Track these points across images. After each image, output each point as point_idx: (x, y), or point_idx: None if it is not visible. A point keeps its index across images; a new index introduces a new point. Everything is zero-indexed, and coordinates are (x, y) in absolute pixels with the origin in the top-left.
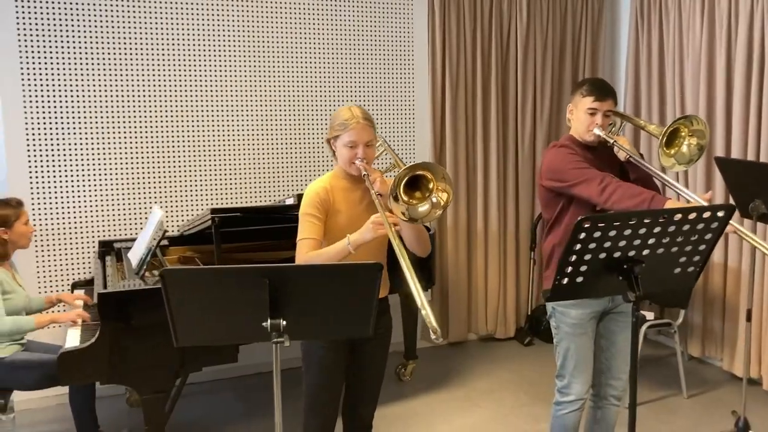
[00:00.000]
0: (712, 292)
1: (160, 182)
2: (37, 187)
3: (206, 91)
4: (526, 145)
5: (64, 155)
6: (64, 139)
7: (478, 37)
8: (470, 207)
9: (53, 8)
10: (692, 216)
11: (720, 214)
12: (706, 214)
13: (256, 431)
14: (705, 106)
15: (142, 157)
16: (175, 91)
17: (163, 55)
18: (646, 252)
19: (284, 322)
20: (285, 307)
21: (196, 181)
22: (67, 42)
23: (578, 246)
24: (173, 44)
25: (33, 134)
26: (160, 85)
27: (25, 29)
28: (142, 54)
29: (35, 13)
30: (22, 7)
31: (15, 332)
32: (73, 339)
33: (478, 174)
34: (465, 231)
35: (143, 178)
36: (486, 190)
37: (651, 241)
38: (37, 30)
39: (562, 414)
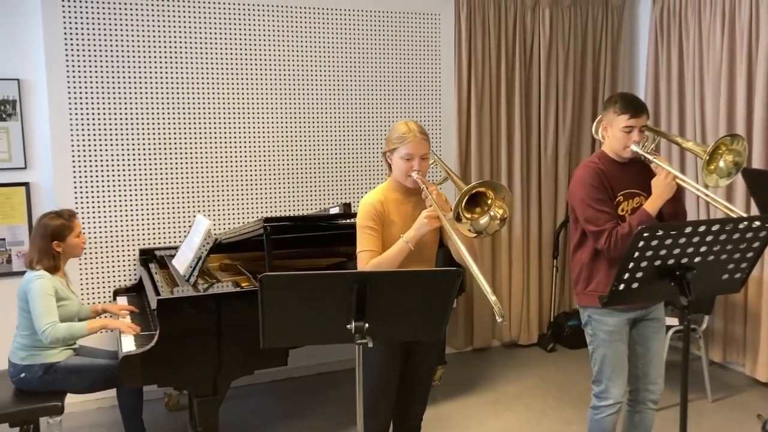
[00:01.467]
0: (733, 298)
1: (199, 192)
2: (81, 196)
3: (246, 102)
4: (549, 154)
5: (106, 165)
6: (106, 149)
7: (502, 49)
8: None
9: (99, 23)
10: (743, 225)
11: None
12: (756, 224)
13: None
14: (725, 118)
15: (181, 168)
16: (216, 101)
17: (204, 66)
18: (697, 259)
19: (367, 325)
20: (369, 311)
21: (235, 191)
22: (112, 54)
23: (637, 254)
24: (216, 56)
25: (78, 145)
26: (200, 96)
27: (72, 42)
28: (183, 65)
29: (81, 26)
30: (70, 21)
31: (69, 338)
32: (129, 344)
33: (502, 182)
34: (489, 238)
35: (183, 187)
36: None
37: (703, 248)
38: (83, 43)
39: (601, 417)
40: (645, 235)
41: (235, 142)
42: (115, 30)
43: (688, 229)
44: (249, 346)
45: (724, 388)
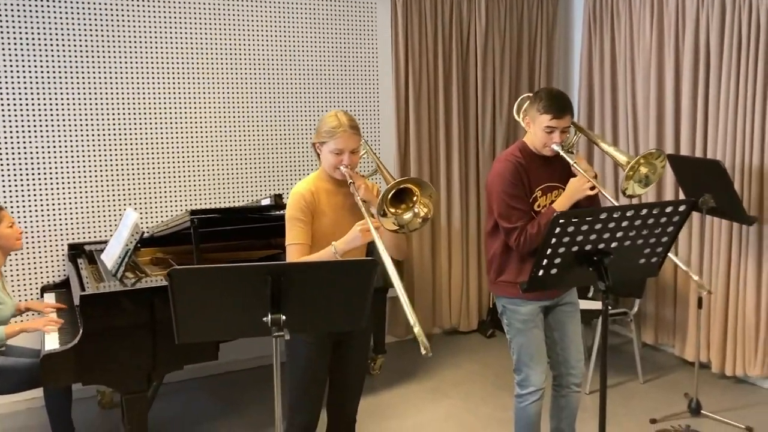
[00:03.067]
0: (663, 282)
1: (129, 185)
2: (8, 190)
3: (175, 94)
4: (487, 144)
5: (33, 158)
6: (33, 142)
7: (439, 38)
8: (434, 202)
9: (19, 16)
10: (656, 210)
11: (681, 208)
12: (669, 209)
13: (231, 428)
14: (655, 105)
15: (111, 161)
16: (144, 94)
17: (134, 57)
18: (614, 244)
19: (284, 317)
20: (285, 303)
21: (165, 183)
22: (37, 46)
23: (554, 240)
24: (145, 47)
25: (3, 138)
26: (129, 89)
27: None
28: (113, 56)
29: (7, 13)
30: None
31: None
32: (52, 342)
33: (441, 172)
34: (429, 228)
35: (112, 181)
36: (449, 187)
37: (619, 234)
38: (8, 33)
39: (525, 405)
40: (561, 221)
41: (166, 134)
42: (39, 20)
43: (604, 215)
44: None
45: (656, 369)
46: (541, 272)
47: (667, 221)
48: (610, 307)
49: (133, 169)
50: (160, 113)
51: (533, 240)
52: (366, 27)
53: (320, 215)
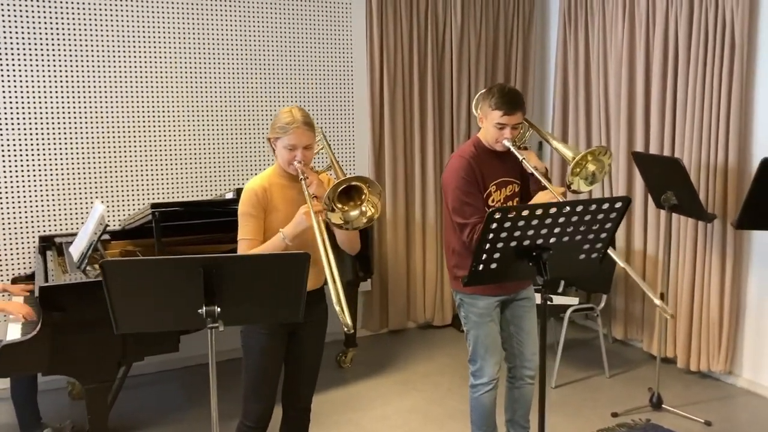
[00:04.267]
0: (632, 278)
1: (101, 177)
2: None
3: (146, 87)
4: (462, 139)
5: (4, 151)
6: (2, 135)
7: (414, 36)
8: (408, 199)
9: None
10: (593, 207)
11: (617, 205)
12: (605, 206)
13: (198, 419)
14: (626, 102)
15: (83, 153)
16: (114, 87)
17: (100, 52)
18: (552, 240)
19: (218, 309)
20: (219, 295)
21: (137, 176)
22: (9, 36)
23: (491, 235)
24: (112, 41)
25: None
26: (98, 82)
27: None
28: (79, 50)
29: None
30: None
31: None
32: (14, 332)
33: (416, 169)
34: (404, 223)
35: (84, 173)
36: (423, 182)
37: (557, 230)
38: None
39: (479, 395)
40: (496, 216)
41: (136, 128)
42: (9, 10)
43: (539, 211)
44: (137, 332)
45: (623, 364)
46: (480, 266)
47: (605, 218)
48: (577, 303)
49: (102, 163)
50: (131, 108)
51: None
52: (340, 24)
53: (273, 210)
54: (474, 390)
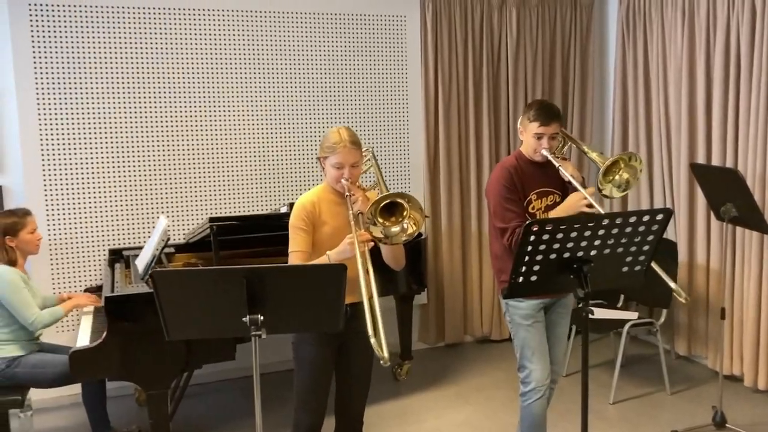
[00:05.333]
0: (696, 292)
1: (166, 193)
2: (51, 198)
3: (208, 108)
4: None
5: (76, 169)
6: (75, 153)
7: (469, 50)
8: (464, 213)
9: (65, 32)
10: (633, 219)
11: (659, 217)
12: (646, 218)
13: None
14: (687, 112)
15: (149, 171)
16: (179, 108)
17: (167, 74)
18: (593, 252)
19: (261, 317)
20: (262, 304)
21: (200, 191)
22: (78, 61)
23: (529, 248)
24: (178, 64)
25: (47, 149)
26: (165, 104)
27: (40, 50)
28: (148, 73)
29: (49, 35)
30: (37, 30)
31: (52, 322)
32: (83, 339)
33: (471, 180)
34: (459, 236)
35: (151, 189)
36: (479, 196)
37: (597, 242)
38: (50, 51)
39: (528, 404)
40: (534, 229)
41: (199, 147)
42: (81, 38)
43: (578, 224)
44: (194, 341)
45: (686, 381)
46: (520, 279)
47: (647, 230)
48: (636, 318)
49: (167, 180)
50: (193, 129)
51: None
52: (396, 40)
53: (321, 225)
54: (523, 398)
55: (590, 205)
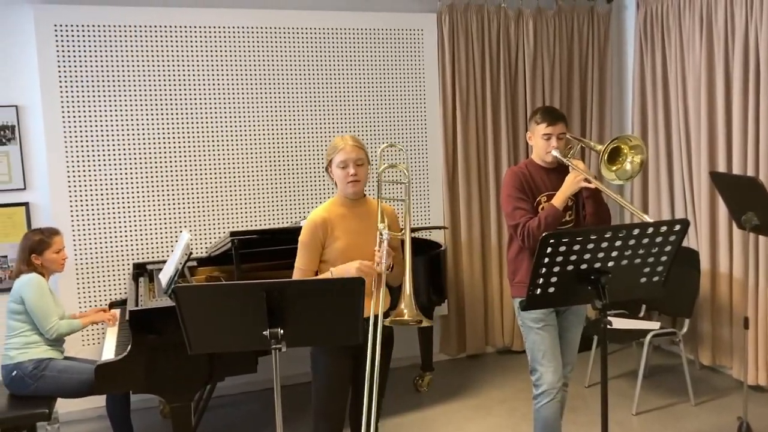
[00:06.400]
0: (719, 301)
1: (189, 208)
2: (76, 214)
3: (228, 124)
4: None
5: (101, 185)
6: (100, 170)
7: (486, 62)
8: (484, 223)
9: (90, 51)
10: (650, 230)
11: (676, 228)
12: (663, 229)
13: None
14: (707, 121)
15: (172, 185)
16: (201, 125)
17: (189, 91)
18: (611, 264)
19: (281, 331)
20: (282, 317)
21: (221, 206)
22: (103, 80)
23: (546, 260)
24: (199, 81)
25: (72, 166)
26: (186, 120)
27: (65, 69)
28: (170, 90)
29: (74, 54)
30: (62, 49)
31: (69, 333)
32: (108, 352)
33: (491, 190)
34: (479, 246)
35: (173, 204)
36: (498, 204)
37: (614, 253)
38: (75, 69)
39: (539, 407)
40: (551, 241)
41: (219, 162)
42: (106, 57)
43: (594, 236)
44: (216, 354)
45: (711, 391)
46: (538, 290)
47: (664, 240)
48: (657, 328)
49: (189, 195)
50: (214, 145)
51: (534, 234)
52: (413, 53)
53: (334, 240)
54: (535, 402)
55: (588, 180)
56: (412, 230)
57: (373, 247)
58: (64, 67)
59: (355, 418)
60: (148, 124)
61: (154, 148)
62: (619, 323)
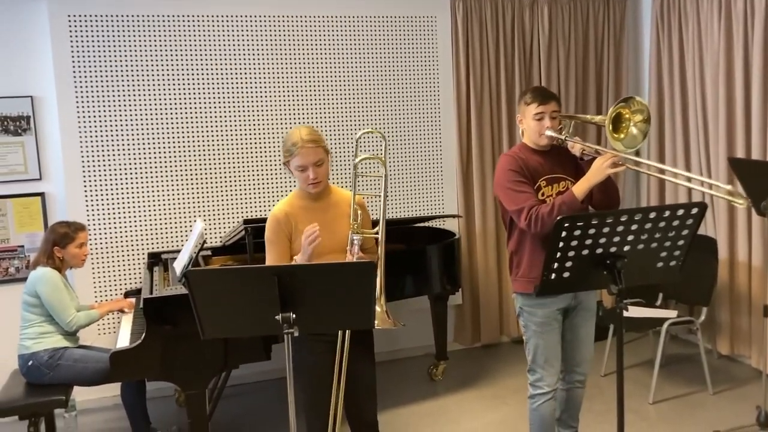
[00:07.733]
0: (738, 290)
1: (203, 197)
2: (91, 204)
3: (241, 113)
4: None
5: (116, 175)
6: (115, 160)
7: (501, 49)
8: (498, 213)
9: (104, 41)
10: (667, 213)
11: (693, 211)
12: (680, 212)
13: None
14: (725, 106)
15: (187, 175)
16: (214, 114)
17: (203, 80)
18: (627, 248)
19: (294, 315)
20: (294, 302)
21: (235, 195)
22: (117, 70)
23: (561, 244)
24: (212, 70)
25: (87, 156)
26: (200, 110)
27: (79, 60)
28: (184, 80)
29: (88, 45)
30: (76, 40)
31: (88, 323)
32: (123, 340)
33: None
34: (494, 236)
35: (188, 193)
36: None
37: (630, 237)
38: (89, 60)
39: (537, 405)
40: (566, 225)
41: (235, 149)
42: (119, 47)
43: (610, 219)
44: (230, 341)
45: (729, 381)
46: (553, 275)
47: (681, 224)
48: (675, 316)
49: (202, 184)
50: (227, 135)
51: (545, 221)
52: (426, 41)
53: (299, 234)
54: (533, 400)
55: (615, 165)
56: (425, 219)
57: (342, 236)
58: (78, 57)
59: (352, 417)
60: (161, 114)
61: (168, 137)
62: (635, 312)
